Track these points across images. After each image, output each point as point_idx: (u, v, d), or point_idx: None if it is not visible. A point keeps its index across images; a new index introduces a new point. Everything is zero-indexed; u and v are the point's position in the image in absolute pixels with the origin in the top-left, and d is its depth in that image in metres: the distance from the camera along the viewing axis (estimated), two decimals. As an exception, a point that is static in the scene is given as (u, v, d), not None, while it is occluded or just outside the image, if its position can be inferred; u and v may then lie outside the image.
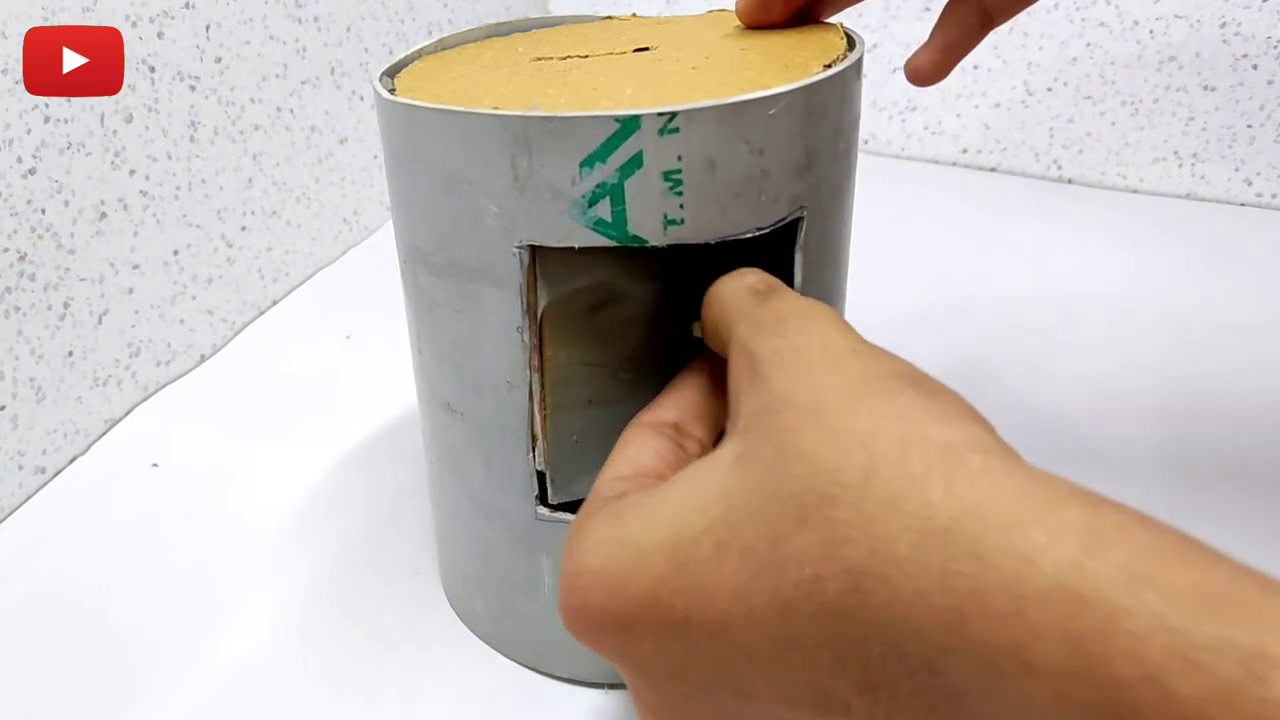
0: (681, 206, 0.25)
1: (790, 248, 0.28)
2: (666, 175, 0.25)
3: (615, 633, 0.21)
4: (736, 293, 0.25)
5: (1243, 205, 0.67)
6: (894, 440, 0.18)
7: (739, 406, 0.22)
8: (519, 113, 0.25)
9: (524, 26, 0.37)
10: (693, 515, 0.20)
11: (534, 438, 0.30)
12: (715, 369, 0.27)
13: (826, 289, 0.30)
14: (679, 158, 0.25)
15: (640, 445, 0.25)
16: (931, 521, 0.17)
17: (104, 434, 0.47)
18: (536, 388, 0.29)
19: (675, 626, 0.20)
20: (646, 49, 0.32)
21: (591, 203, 0.25)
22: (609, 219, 0.26)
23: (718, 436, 0.26)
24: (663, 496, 0.21)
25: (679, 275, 0.29)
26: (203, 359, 0.53)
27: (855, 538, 0.17)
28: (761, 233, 0.27)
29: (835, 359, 0.21)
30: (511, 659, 0.35)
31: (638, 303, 0.28)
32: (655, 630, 0.20)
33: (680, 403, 0.26)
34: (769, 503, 0.19)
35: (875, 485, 0.18)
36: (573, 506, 0.31)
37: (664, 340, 0.29)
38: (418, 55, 0.33)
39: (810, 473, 0.18)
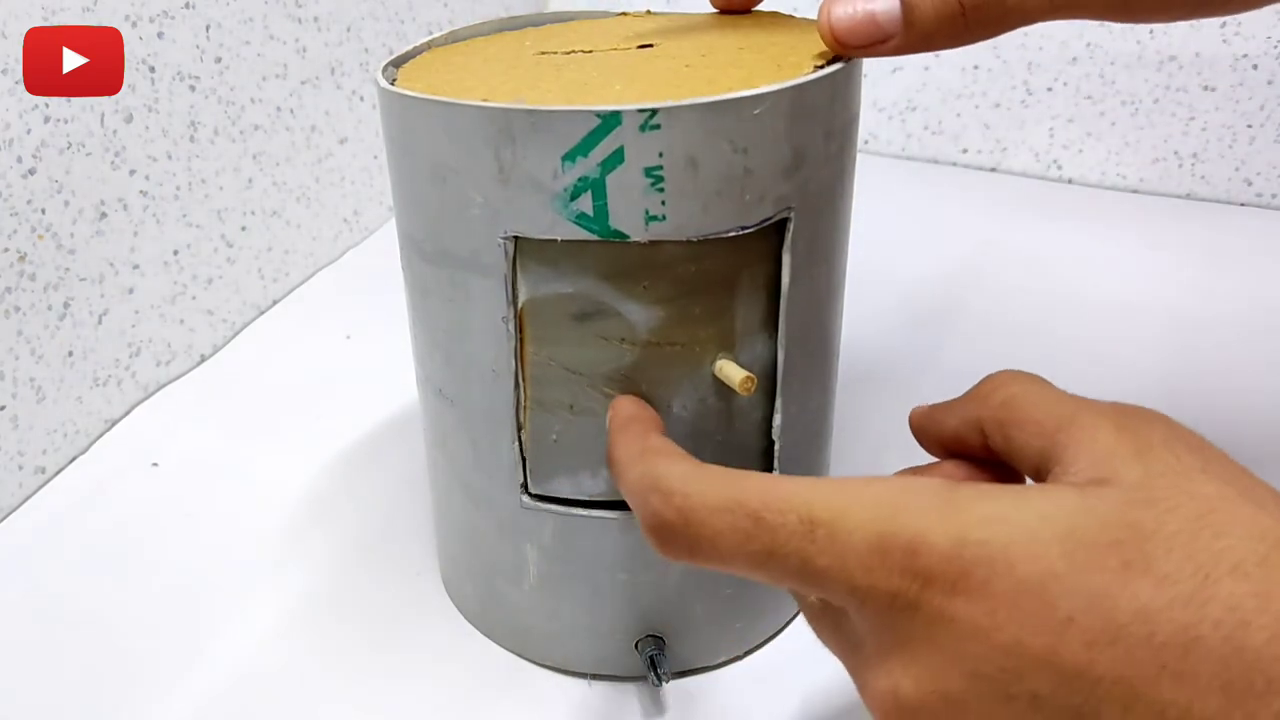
0: (663, 203, 0.26)
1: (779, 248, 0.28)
2: (648, 171, 0.25)
3: (978, 607, 0.20)
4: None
5: (1243, 205, 0.67)
6: None
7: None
8: (502, 104, 0.25)
9: (537, 20, 0.37)
10: (1094, 526, 0.20)
11: (519, 426, 0.30)
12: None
13: (817, 291, 0.30)
14: (660, 154, 0.25)
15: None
16: None
17: (104, 434, 0.48)
18: (520, 378, 0.29)
19: (1048, 625, 0.19)
20: (650, 45, 0.32)
21: (573, 196, 0.26)
22: (591, 213, 0.26)
23: None
24: (1040, 495, 0.20)
25: (679, 306, 0.28)
26: (203, 359, 0.53)
27: None
28: (746, 231, 0.27)
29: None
30: (498, 644, 0.35)
31: (630, 325, 0.28)
32: (1021, 621, 0.19)
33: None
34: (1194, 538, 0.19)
35: None
36: (556, 499, 0.31)
37: (660, 369, 0.29)
38: (427, 46, 0.34)
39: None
